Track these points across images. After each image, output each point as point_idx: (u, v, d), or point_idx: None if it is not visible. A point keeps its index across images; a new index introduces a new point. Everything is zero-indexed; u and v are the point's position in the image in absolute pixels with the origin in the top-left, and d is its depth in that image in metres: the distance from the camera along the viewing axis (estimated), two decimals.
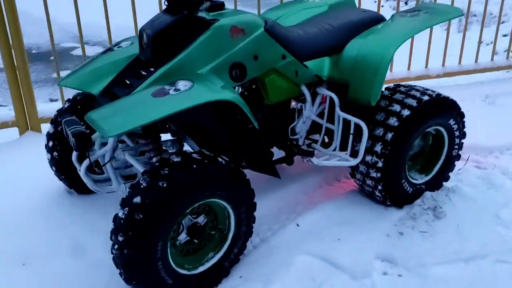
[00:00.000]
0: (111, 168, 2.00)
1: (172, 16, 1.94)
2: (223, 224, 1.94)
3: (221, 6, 2.07)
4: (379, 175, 2.28)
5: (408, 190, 2.39)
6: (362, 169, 2.34)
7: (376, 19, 2.45)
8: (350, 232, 2.24)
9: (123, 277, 1.73)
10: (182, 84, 1.77)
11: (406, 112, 2.22)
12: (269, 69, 2.13)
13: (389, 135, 2.22)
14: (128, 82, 1.97)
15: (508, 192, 2.60)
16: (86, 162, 1.97)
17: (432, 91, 2.36)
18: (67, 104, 2.34)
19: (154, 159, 2.00)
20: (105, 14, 3.19)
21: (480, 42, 4.24)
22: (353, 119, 2.23)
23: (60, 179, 2.40)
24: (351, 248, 2.15)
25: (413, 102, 2.25)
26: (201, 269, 1.91)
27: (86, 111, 2.26)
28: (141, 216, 1.62)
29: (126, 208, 1.65)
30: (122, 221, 1.64)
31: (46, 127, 3.26)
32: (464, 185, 2.63)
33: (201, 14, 2.02)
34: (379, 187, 2.32)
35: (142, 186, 1.66)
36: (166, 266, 1.75)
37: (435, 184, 2.53)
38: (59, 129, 2.28)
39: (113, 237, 1.69)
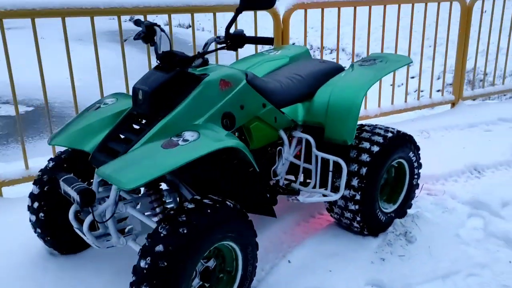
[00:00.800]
0: (112, 223, 2.01)
1: (166, 73, 2.06)
2: (231, 266, 2.01)
3: (207, 61, 2.24)
4: (357, 207, 2.49)
5: (382, 219, 2.62)
6: (340, 203, 2.54)
7: (337, 69, 2.73)
8: (338, 263, 2.40)
9: None
10: (189, 135, 1.88)
11: (375, 148, 2.48)
12: (253, 117, 2.30)
13: (364, 170, 2.45)
14: (123, 137, 2.03)
15: (461, 214, 2.93)
16: (89, 219, 1.97)
17: (392, 128, 2.65)
18: (51, 163, 2.32)
19: (158, 210, 2.05)
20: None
21: (407, 85, 4.75)
22: (332, 158, 2.44)
23: (45, 241, 2.33)
24: (343, 278, 2.31)
25: (380, 139, 2.52)
26: None
27: (73, 169, 2.28)
28: (165, 263, 1.66)
29: (148, 258, 1.68)
30: (145, 271, 1.67)
31: (6, 191, 3.15)
32: (423, 211, 2.92)
33: (189, 69, 2.17)
34: (358, 218, 2.52)
35: (162, 234, 1.71)
36: None
37: (401, 211, 2.79)
38: (45, 189, 2.25)
39: None
